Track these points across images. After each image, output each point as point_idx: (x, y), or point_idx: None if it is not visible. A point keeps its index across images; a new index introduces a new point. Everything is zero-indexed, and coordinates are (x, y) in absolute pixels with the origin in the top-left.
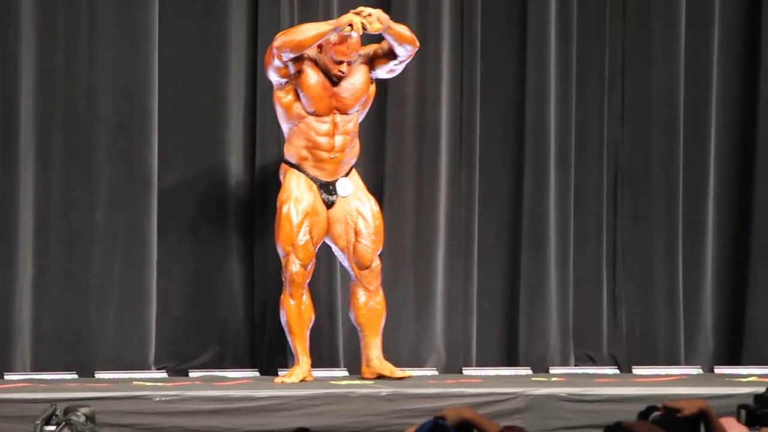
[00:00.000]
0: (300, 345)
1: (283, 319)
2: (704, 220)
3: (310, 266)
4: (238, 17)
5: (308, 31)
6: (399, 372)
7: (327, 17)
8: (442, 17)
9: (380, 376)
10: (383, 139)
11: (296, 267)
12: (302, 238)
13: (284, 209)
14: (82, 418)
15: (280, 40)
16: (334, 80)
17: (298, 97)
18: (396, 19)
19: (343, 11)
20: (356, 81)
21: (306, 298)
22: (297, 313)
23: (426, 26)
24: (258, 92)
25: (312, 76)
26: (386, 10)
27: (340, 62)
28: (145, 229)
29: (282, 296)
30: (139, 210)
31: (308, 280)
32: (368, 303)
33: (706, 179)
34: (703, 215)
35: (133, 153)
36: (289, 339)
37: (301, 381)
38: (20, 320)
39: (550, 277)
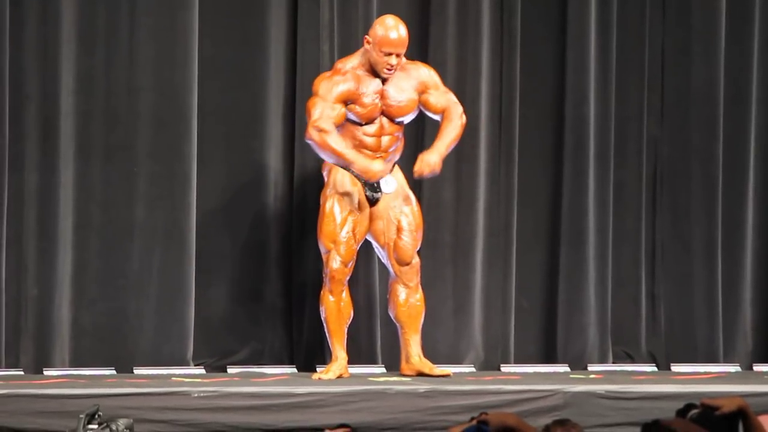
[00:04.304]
0: (337, 341)
1: (322, 316)
2: (744, 218)
3: (350, 264)
4: (277, 14)
5: (331, 153)
6: (438, 370)
7: (367, 15)
8: (481, 13)
9: (420, 374)
10: (422, 135)
11: (337, 264)
12: (345, 235)
13: (328, 205)
14: (122, 428)
15: (310, 133)
16: (383, 77)
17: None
18: (436, 16)
19: (383, 8)
20: (403, 99)
21: (345, 295)
22: (336, 309)
23: (466, 22)
24: (297, 88)
25: (364, 101)
26: (426, 7)
27: (389, 54)
28: (184, 226)
29: (322, 292)
30: (178, 207)
31: (348, 278)
32: (408, 300)
33: (746, 176)
34: (742, 212)
35: (173, 150)
36: (327, 335)
37: (338, 377)
38: (59, 316)
39: (589, 274)
